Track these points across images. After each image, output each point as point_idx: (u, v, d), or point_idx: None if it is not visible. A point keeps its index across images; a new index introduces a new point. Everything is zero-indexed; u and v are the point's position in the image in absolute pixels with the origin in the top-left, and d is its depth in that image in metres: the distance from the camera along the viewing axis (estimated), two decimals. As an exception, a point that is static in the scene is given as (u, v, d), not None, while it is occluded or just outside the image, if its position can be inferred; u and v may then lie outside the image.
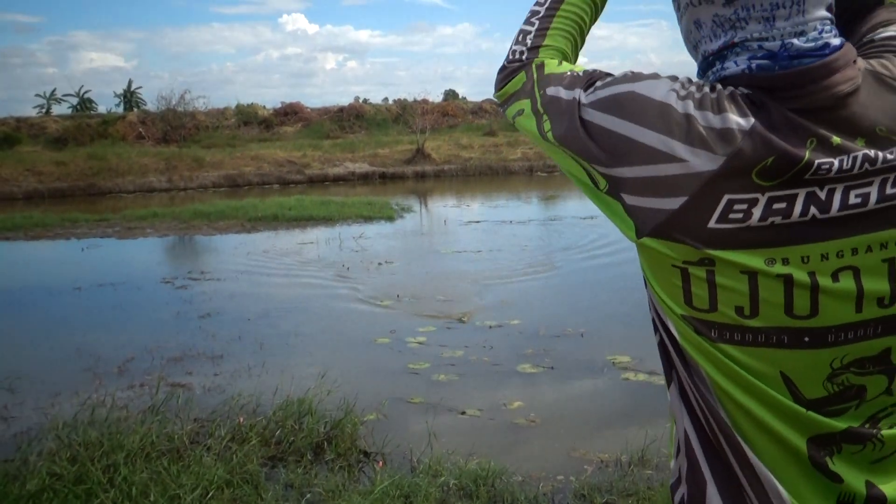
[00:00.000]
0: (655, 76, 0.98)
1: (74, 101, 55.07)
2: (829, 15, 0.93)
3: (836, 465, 0.94)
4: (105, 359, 6.94)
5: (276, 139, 35.91)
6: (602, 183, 0.98)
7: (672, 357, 1.02)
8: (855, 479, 0.94)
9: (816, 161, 0.86)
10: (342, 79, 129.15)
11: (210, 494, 3.83)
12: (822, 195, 0.88)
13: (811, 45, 0.91)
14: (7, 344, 7.88)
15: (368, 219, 16.75)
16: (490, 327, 7.67)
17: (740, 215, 0.88)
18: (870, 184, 0.88)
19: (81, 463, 4.04)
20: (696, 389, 0.98)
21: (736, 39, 0.94)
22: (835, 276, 0.90)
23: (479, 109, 43.16)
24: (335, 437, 4.70)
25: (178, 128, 34.48)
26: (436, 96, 44.77)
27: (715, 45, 0.97)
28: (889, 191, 0.89)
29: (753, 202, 0.88)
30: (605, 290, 9.26)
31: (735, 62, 0.94)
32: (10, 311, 9.46)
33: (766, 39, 0.92)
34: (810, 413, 0.93)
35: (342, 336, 7.62)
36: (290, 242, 14.17)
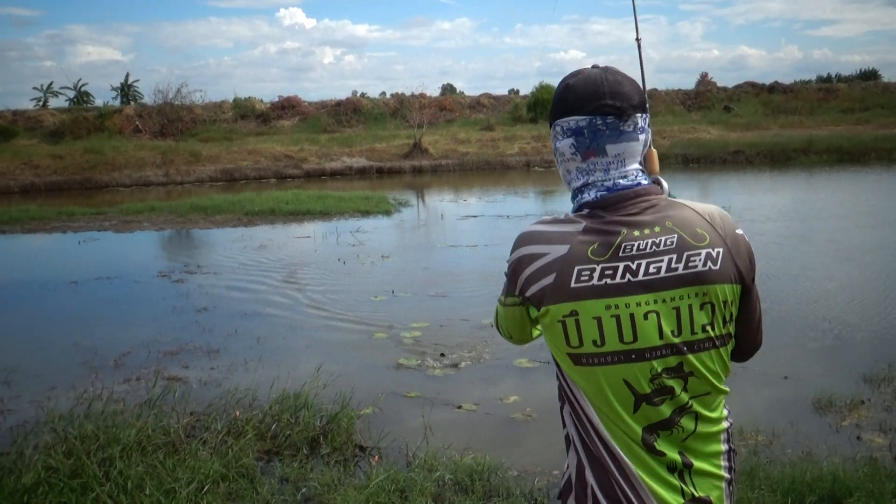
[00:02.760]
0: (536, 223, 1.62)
1: (71, 94, 54.70)
2: (640, 167, 1.61)
3: (660, 445, 1.52)
4: (101, 352, 6.94)
5: (273, 133, 35.83)
6: (518, 300, 1.63)
7: (563, 386, 1.61)
8: (672, 452, 1.52)
9: (624, 244, 1.49)
10: (340, 73, 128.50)
11: (206, 488, 3.83)
12: (633, 266, 1.48)
13: (629, 182, 1.57)
14: (3, 337, 7.88)
15: (365, 213, 16.74)
16: (489, 324, 7.67)
17: (586, 277, 1.49)
18: (661, 260, 1.49)
19: (77, 456, 4.04)
20: (578, 404, 1.57)
21: (589, 181, 1.60)
22: (646, 316, 1.49)
23: (476, 104, 43.11)
24: (331, 431, 4.71)
25: (174, 121, 34.40)
26: (433, 91, 44.92)
27: (578, 183, 1.62)
28: (672, 265, 1.49)
29: (593, 270, 1.49)
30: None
31: (589, 193, 1.59)
32: (6, 304, 9.45)
33: (605, 181, 1.58)
34: (636, 414, 1.51)
35: (339, 330, 7.62)
36: (287, 237, 14.17)
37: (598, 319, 1.48)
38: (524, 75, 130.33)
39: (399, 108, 38.73)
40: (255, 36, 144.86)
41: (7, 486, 3.76)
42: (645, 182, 1.59)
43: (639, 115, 1.59)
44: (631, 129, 1.58)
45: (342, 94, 49.42)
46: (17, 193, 24.12)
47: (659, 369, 1.50)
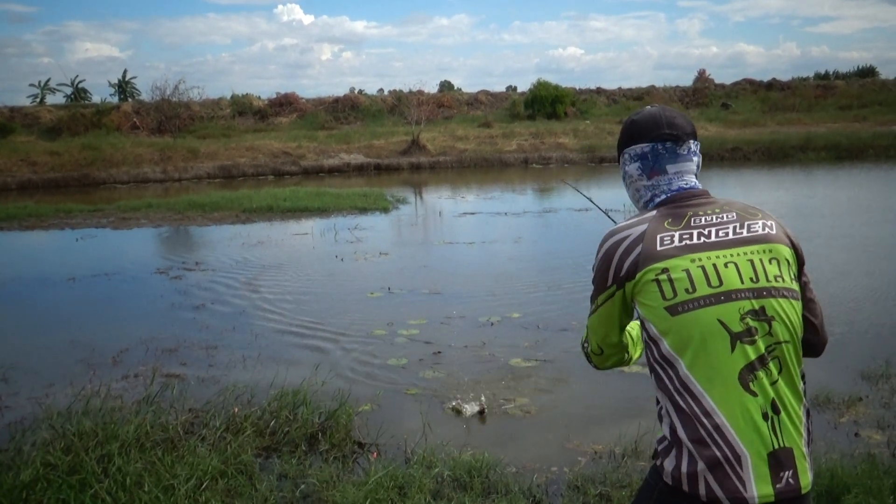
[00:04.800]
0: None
1: (69, 90, 54.67)
2: (696, 180, 1.95)
3: (754, 385, 1.69)
4: (99, 349, 6.94)
5: (271, 130, 35.78)
6: (613, 289, 1.84)
7: (655, 355, 1.79)
8: (764, 396, 1.69)
9: (693, 218, 1.82)
10: (338, 70, 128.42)
11: (204, 485, 3.83)
12: (705, 232, 1.80)
13: (689, 185, 1.92)
14: (1, 334, 7.86)
15: (363, 210, 16.72)
16: (491, 323, 7.68)
17: (668, 241, 1.78)
18: (727, 227, 1.81)
19: (76, 453, 4.04)
20: (670, 366, 1.75)
21: (656, 192, 1.94)
22: (726, 265, 1.75)
23: (474, 101, 43.07)
24: (329, 427, 4.71)
25: (172, 118, 34.30)
26: (431, 87, 44.48)
27: (647, 197, 1.96)
28: (737, 231, 1.80)
29: (672, 235, 1.79)
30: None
31: (659, 197, 1.93)
32: (4, 301, 9.44)
33: (671, 187, 1.92)
34: (735, 353, 1.69)
35: (337, 328, 7.61)
36: (284, 234, 14.16)
37: (687, 271, 1.74)
38: (522, 72, 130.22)
39: (397, 105, 38.65)
40: (253, 32, 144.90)
41: (6, 483, 3.76)
42: (700, 185, 1.94)
43: (691, 141, 1.95)
44: (686, 152, 1.94)
45: (340, 91, 49.41)
46: (14, 190, 24.07)
47: (746, 309, 1.72)
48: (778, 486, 1.66)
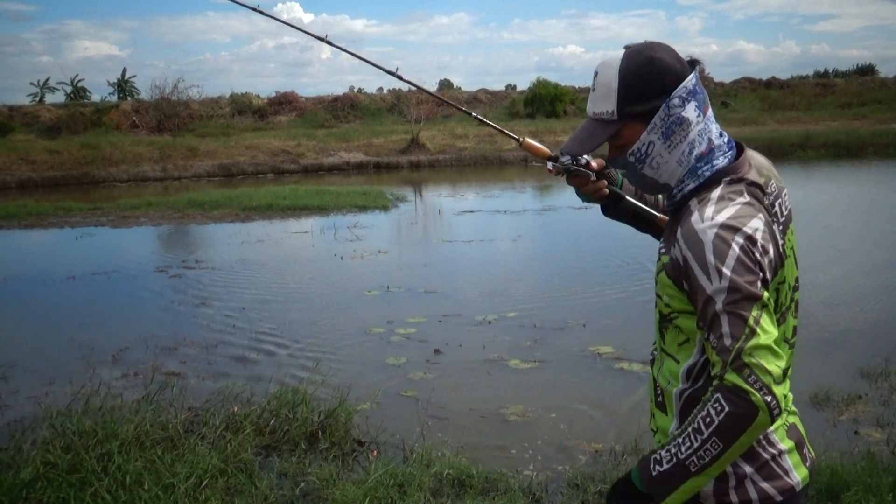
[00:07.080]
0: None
1: (68, 89, 54.50)
2: None
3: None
4: (99, 348, 6.94)
5: (270, 128, 35.75)
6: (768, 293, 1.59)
7: None
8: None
9: (769, 198, 1.58)
10: (337, 68, 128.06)
11: (204, 483, 3.84)
12: (780, 218, 1.60)
13: (729, 138, 1.63)
14: (1, 333, 7.86)
15: (363, 208, 16.71)
16: (489, 321, 7.67)
17: (779, 236, 1.55)
18: (785, 201, 1.65)
19: (75, 452, 4.05)
20: None
21: (713, 143, 1.59)
22: (792, 252, 1.62)
23: (473, 99, 43.03)
24: (329, 426, 4.71)
25: (171, 117, 34.33)
26: (431, 86, 44.56)
27: (702, 148, 1.58)
28: (787, 205, 1.65)
29: (774, 231, 1.51)
30: (592, 280, 9.25)
31: (719, 159, 1.59)
32: (4, 299, 9.43)
33: (721, 140, 1.61)
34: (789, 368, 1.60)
35: (336, 325, 7.62)
36: (284, 232, 14.15)
37: (780, 286, 1.57)
38: (522, 70, 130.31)
39: (396, 104, 38.61)
40: (252, 31, 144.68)
41: (6, 482, 3.76)
42: None
43: None
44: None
45: (339, 90, 49.41)
46: (13, 189, 24.03)
47: (794, 323, 1.66)
48: (808, 465, 1.62)
